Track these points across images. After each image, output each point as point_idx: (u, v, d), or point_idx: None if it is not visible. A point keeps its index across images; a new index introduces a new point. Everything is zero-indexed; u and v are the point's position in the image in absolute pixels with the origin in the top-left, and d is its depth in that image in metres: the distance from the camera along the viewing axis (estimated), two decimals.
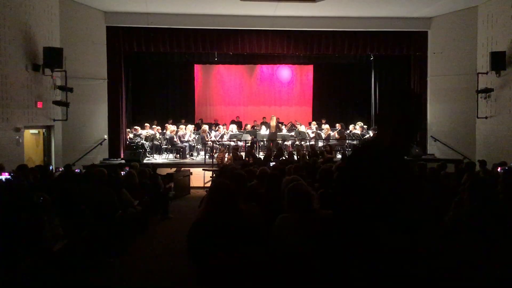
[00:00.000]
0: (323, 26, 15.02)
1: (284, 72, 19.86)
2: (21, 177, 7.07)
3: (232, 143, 14.78)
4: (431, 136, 15.22)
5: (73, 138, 13.25)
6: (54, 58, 11.38)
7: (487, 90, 13.17)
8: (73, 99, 12.50)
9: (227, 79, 19.75)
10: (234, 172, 4.88)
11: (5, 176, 7.43)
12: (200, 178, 13.00)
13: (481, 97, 13.52)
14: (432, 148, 15.21)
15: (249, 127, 16.51)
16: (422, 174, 6.69)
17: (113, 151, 14.38)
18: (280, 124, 16.71)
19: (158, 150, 15.37)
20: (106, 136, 14.21)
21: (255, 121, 18.01)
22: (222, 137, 15.31)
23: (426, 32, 15.24)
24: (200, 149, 15.41)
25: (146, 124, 16.17)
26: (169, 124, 16.18)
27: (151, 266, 6.25)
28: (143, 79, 18.30)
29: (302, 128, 15.91)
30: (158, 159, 14.86)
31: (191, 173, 12.92)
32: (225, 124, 16.97)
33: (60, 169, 9.91)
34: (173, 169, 12.70)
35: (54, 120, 12.30)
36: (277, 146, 13.96)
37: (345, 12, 14.53)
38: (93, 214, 5.93)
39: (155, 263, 6.37)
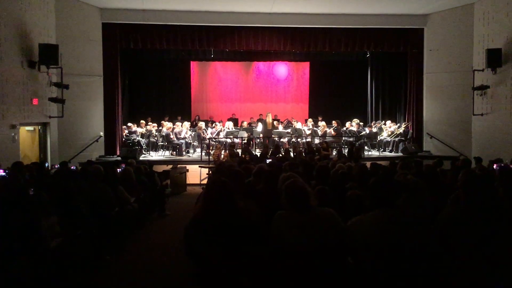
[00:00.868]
0: (319, 23, 15.02)
1: (281, 69, 19.86)
2: (17, 174, 7.03)
3: (229, 140, 14.77)
4: (427, 133, 15.27)
5: (69, 135, 13.23)
6: (49, 54, 11.35)
7: (483, 87, 13.23)
8: (69, 96, 12.47)
9: (223, 76, 19.74)
10: (230, 169, 4.88)
11: (0, 173, 7.39)
12: (196, 175, 12.98)
13: (477, 94, 13.58)
14: (428, 145, 15.26)
15: (245, 124, 16.50)
16: (418, 171, 6.69)
17: (109, 148, 14.35)
18: (276, 121, 16.72)
19: (154, 147, 15.34)
20: (102, 133, 14.19)
21: (251, 118, 18.00)
22: (218, 134, 15.30)
23: (423, 29, 15.28)
24: (197, 146, 15.39)
25: (142, 121, 16.15)
26: (165, 121, 16.15)
27: (148, 263, 6.24)
28: (139, 76, 18.29)
29: (298, 125, 15.90)
30: (154, 156, 14.83)
31: (187, 170, 12.90)
32: (221, 121, 16.95)
33: (56, 166, 9.87)
34: (170, 166, 12.69)
35: (50, 117, 12.26)
36: (273, 143, 13.95)
37: (342, 9, 14.54)
38: (90, 211, 5.92)
39: (152, 260, 6.37)
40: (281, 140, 15.06)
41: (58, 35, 12.78)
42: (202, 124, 15.43)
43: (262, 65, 19.73)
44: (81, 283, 5.35)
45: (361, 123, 16.14)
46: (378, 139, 15.57)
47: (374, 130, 15.70)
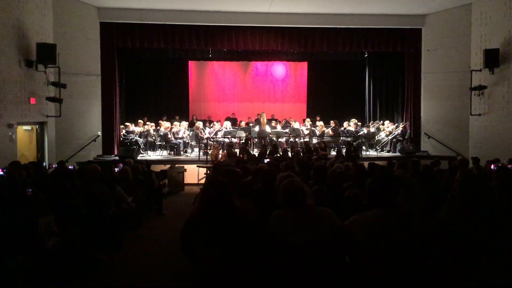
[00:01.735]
0: (317, 23, 15.03)
1: (279, 69, 19.85)
2: (14, 173, 7.03)
3: (227, 140, 14.77)
4: (424, 133, 15.30)
5: (66, 134, 13.21)
6: (47, 54, 11.33)
7: (480, 88, 13.26)
8: (67, 95, 12.46)
9: (221, 75, 19.72)
10: (228, 168, 4.88)
11: None
12: (194, 174, 12.97)
13: (474, 94, 13.61)
14: (426, 145, 15.28)
15: (243, 123, 16.49)
16: (416, 171, 6.71)
17: (107, 148, 14.33)
18: (274, 121, 16.73)
19: (152, 146, 15.34)
20: (99, 133, 14.17)
21: (249, 117, 17.99)
22: (216, 133, 15.29)
23: (420, 29, 15.30)
24: (194, 145, 15.39)
25: (139, 120, 16.13)
26: (163, 120, 16.13)
27: (145, 262, 6.23)
28: (137, 76, 18.26)
29: (296, 125, 15.92)
30: (152, 155, 14.82)
31: (185, 170, 12.89)
32: (219, 121, 16.95)
33: (54, 166, 9.86)
34: (167, 166, 12.68)
35: (47, 116, 12.25)
36: (271, 143, 13.96)
37: (340, 9, 14.56)
38: (87, 210, 5.91)
39: (149, 259, 6.36)
40: (279, 140, 15.07)
41: (55, 35, 12.76)
42: (200, 124, 15.42)
43: (260, 64, 19.71)
44: (78, 282, 5.35)
45: (359, 123, 16.17)
46: (376, 139, 15.58)
47: (372, 130, 15.72)
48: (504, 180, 5.17)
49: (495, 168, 8.01)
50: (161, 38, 14.79)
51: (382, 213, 2.99)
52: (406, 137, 15.56)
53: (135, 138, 14.91)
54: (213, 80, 19.68)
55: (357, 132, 15.41)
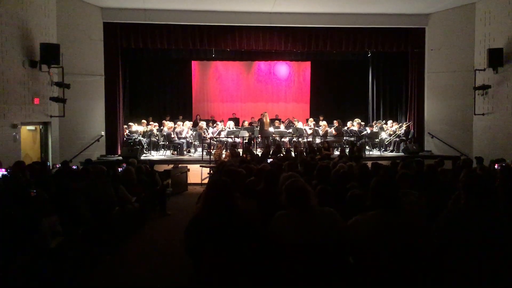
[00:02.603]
0: (320, 22, 15.01)
1: (282, 68, 19.85)
2: (18, 173, 7.04)
3: (230, 140, 14.77)
4: (428, 133, 15.26)
5: (70, 134, 13.23)
6: (51, 54, 11.35)
7: (484, 87, 13.22)
8: (70, 96, 12.47)
9: (224, 75, 19.74)
10: (231, 168, 4.88)
11: (2, 172, 7.40)
12: (197, 174, 12.99)
13: (478, 94, 13.57)
14: (429, 144, 15.24)
15: (246, 123, 16.50)
16: (419, 171, 6.69)
17: (111, 148, 14.36)
18: (277, 121, 16.72)
19: (155, 146, 15.35)
20: (103, 133, 14.20)
21: (252, 117, 18.00)
22: (219, 133, 15.30)
23: (424, 28, 15.26)
24: (198, 145, 15.39)
25: (143, 120, 16.15)
26: (166, 120, 16.15)
27: (148, 262, 6.25)
28: (140, 76, 18.28)
29: (299, 125, 15.92)
30: (155, 155, 14.84)
31: (188, 170, 12.90)
32: (222, 121, 16.95)
33: (57, 166, 9.88)
34: (171, 166, 12.69)
35: (51, 116, 12.27)
36: (274, 143, 13.95)
37: (343, 9, 14.53)
38: (91, 210, 5.92)
39: (152, 259, 6.37)
40: (282, 139, 15.05)
41: (59, 35, 12.78)
42: (203, 124, 15.44)
43: (263, 64, 19.72)
44: (82, 283, 5.36)
45: (362, 123, 16.13)
46: (379, 138, 15.55)
47: (375, 129, 15.69)
48: (508, 180, 5.15)
49: (499, 168, 7.98)
50: (164, 38, 14.80)
51: (385, 213, 2.99)
52: (409, 136, 15.52)
53: (139, 138, 14.94)
54: (217, 80, 19.70)
55: (360, 132, 15.38)
